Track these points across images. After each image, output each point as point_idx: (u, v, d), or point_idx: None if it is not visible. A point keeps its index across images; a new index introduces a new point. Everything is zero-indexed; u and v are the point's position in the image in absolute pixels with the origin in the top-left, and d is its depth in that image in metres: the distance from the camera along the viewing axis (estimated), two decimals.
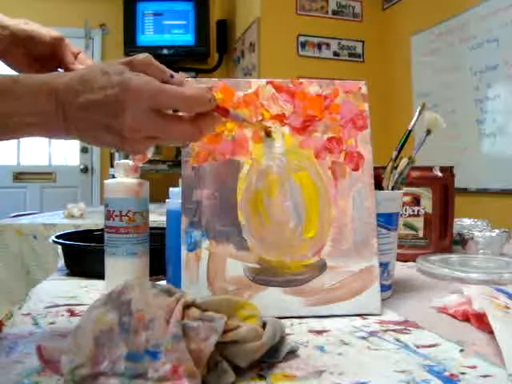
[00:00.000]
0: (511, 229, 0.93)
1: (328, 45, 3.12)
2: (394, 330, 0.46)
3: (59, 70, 0.65)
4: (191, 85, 0.42)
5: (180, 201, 0.53)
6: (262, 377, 0.35)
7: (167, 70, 0.42)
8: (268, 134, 0.54)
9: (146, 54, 0.41)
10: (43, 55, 0.64)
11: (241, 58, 3.44)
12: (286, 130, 0.55)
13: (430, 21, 2.78)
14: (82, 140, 0.42)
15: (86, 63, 0.66)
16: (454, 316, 0.50)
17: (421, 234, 0.85)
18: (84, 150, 3.76)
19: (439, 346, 0.42)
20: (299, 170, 0.54)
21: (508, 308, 0.46)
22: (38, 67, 0.66)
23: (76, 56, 0.66)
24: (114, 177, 0.60)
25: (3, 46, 0.61)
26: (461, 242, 0.91)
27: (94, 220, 1.64)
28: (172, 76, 0.41)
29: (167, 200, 0.59)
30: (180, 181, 0.54)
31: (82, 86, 0.39)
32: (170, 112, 0.41)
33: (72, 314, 0.52)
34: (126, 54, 3.45)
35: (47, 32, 0.63)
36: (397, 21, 3.13)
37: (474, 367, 0.37)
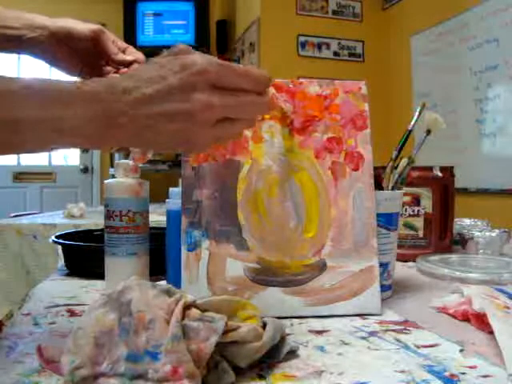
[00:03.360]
0: (511, 229, 0.93)
1: (328, 45, 3.12)
2: (393, 330, 0.46)
3: (107, 67, 0.65)
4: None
5: (180, 201, 0.53)
6: (262, 377, 0.35)
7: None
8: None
9: (183, 45, 0.40)
10: (86, 50, 0.64)
11: (241, 58, 3.44)
12: (286, 130, 0.55)
13: (430, 21, 2.78)
14: (138, 145, 0.40)
15: (136, 56, 0.64)
16: (453, 316, 0.50)
17: (421, 234, 0.85)
18: (84, 150, 3.76)
19: (439, 346, 0.42)
20: (299, 170, 0.54)
21: (508, 308, 0.46)
22: (82, 64, 0.66)
23: (124, 50, 0.65)
24: (114, 177, 0.60)
25: (45, 47, 0.61)
26: (461, 242, 0.91)
27: (94, 220, 1.64)
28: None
29: (167, 200, 0.59)
30: (180, 181, 0.54)
31: (133, 81, 0.37)
32: None
33: (72, 314, 0.52)
34: None
35: (85, 26, 0.62)
36: (397, 21, 3.13)
37: (474, 367, 0.37)
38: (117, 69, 0.65)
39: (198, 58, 0.38)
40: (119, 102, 0.36)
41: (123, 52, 0.65)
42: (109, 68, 0.66)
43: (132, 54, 0.65)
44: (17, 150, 0.38)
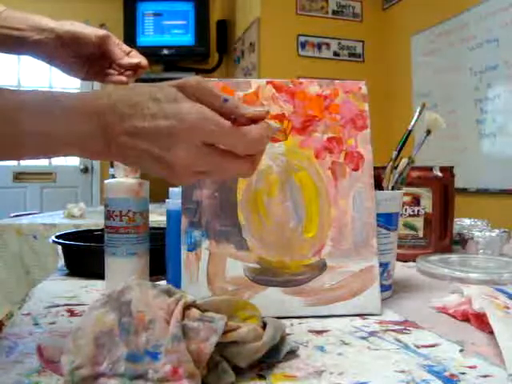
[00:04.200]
0: (511, 229, 0.93)
1: (328, 45, 3.12)
2: (393, 330, 0.46)
3: (110, 70, 0.65)
4: (246, 108, 0.38)
5: (180, 201, 0.53)
6: (262, 377, 0.35)
7: (220, 94, 0.38)
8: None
9: (198, 78, 0.38)
10: (92, 55, 0.64)
11: (241, 58, 3.44)
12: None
13: (430, 21, 2.78)
14: (125, 164, 0.40)
15: (139, 58, 0.65)
16: (453, 316, 0.50)
17: (421, 234, 0.85)
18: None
19: (439, 346, 0.42)
20: (299, 170, 0.54)
21: (508, 308, 0.46)
22: (87, 68, 0.66)
23: (128, 54, 0.66)
24: (114, 177, 0.60)
25: (50, 49, 0.61)
26: (461, 242, 0.91)
27: (94, 220, 1.64)
28: (226, 100, 0.38)
29: (167, 200, 0.59)
30: None
31: (129, 109, 0.36)
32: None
33: (72, 314, 0.52)
34: None
35: (92, 31, 0.63)
36: (397, 21, 3.13)
37: (473, 367, 0.37)
38: (120, 72, 0.65)
39: (192, 111, 0.36)
40: (115, 126, 0.36)
41: (127, 55, 0.65)
42: (112, 71, 0.66)
43: (136, 57, 0.65)
44: (17, 158, 0.41)
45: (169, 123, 0.35)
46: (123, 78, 0.66)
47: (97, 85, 3.17)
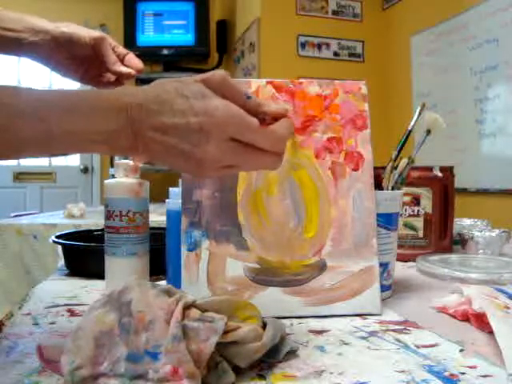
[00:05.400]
0: (511, 229, 0.93)
1: (328, 45, 3.12)
2: (393, 330, 0.46)
3: (108, 73, 0.65)
4: (268, 105, 0.40)
5: (180, 201, 0.53)
6: (262, 377, 0.35)
7: (244, 90, 0.39)
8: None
9: (223, 73, 0.38)
10: (87, 57, 0.64)
11: (241, 58, 3.44)
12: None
13: (430, 21, 2.78)
14: (151, 160, 0.40)
15: (134, 63, 0.65)
16: (453, 316, 0.50)
17: (421, 234, 0.85)
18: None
19: (439, 346, 0.42)
20: (298, 169, 0.54)
21: (508, 308, 0.46)
22: (83, 70, 0.66)
23: (124, 57, 0.65)
24: (114, 177, 0.60)
25: (46, 51, 0.61)
26: (461, 242, 0.91)
27: (94, 220, 1.64)
28: (249, 97, 0.39)
29: (167, 200, 0.59)
30: (180, 181, 0.54)
31: (158, 106, 0.37)
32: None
33: (72, 313, 0.52)
34: None
35: (87, 33, 0.62)
36: (397, 21, 3.13)
37: (473, 367, 0.37)
38: (116, 76, 0.65)
39: (222, 108, 0.36)
40: (143, 122, 0.36)
41: (123, 58, 0.65)
42: (109, 75, 0.66)
43: (131, 61, 0.65)
44: (48, 156, 0.42)
45: (199, 119, 0.36)
46: (118, 84, 0.66)
47: None
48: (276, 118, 0.40)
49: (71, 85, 3.47)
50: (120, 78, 0.66)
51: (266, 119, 0.40)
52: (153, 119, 0.36)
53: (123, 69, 0.63)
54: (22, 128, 0.35)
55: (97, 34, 0.62)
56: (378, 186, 0.59)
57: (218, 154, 0.37)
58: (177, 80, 0.39)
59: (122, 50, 0.65)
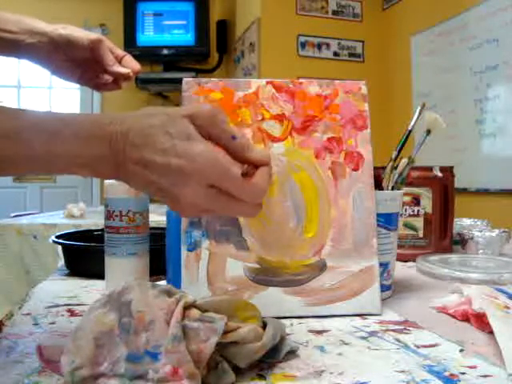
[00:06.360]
0: (511, 229, 0.93)
1: (328, 45, 3.12)
2: (393, 330, 0.46)
3: (105, 76, 0.64)
4: (251, 151, 0.39)
5: None
6: (262, 377, 0.35)
7: (230, 130, 0.38)
8: None
9: (212, 110, 0.38)
10: (84, 59, 0.64)
11: (241, 58, 3.44)
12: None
13: (430, 21, 2.78)
14: (131, 187, 0.40)
15: (131, 65, 0.65)
16: (453, 316, 0.50)
17: (421, 234, 0.85)
18: None
19: (439, 346, 0.42)
20: (299, 170, 0.54)
21: (508, 308, 0.46)
22: (81, 72, 0.66)
23: (121, 59, 0.65)
24: None
25: (44, 53, 0.61)
26: (461, 242, 0.91)
27: (94, 220, 1.64)
28: (234, 138, 0.38)
29: None
30: None
31: (141, 139, 0.36)
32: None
33: (72, 314, 0.52)
34: None
35: (85, 35, 0.62)
36: (397, 21, 3.13)
37: (473, 367, 0.37)
38: (114, 78, 0.65)
39: (205, 155, 0.36)
40: (126, 154, 0.36)
41: (121, 60, 0.65)
42: (107, 77, 0.66)
43: (128, 62, 0.65)
44: (28, 174, 0.41)
45: (180, 162, 0.36)
46: (115, 86, 0.66)
47: None
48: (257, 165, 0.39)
49: (72, 84, 3.47)
50: (118, 79, 0.66)
51: (250, 172, 0.39)
52: (136, 153, 0.36)
53: (121, 69, 0.63)
54: (2, 147, 0.35)
55: (94, 36, 0.62)
56: (378, 186, 0.59)
57: (194, 198, 0.37)
58: (165, 113, 0.38)
59: (119, 51, 0.65)
